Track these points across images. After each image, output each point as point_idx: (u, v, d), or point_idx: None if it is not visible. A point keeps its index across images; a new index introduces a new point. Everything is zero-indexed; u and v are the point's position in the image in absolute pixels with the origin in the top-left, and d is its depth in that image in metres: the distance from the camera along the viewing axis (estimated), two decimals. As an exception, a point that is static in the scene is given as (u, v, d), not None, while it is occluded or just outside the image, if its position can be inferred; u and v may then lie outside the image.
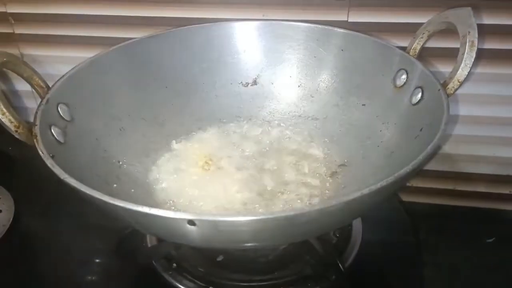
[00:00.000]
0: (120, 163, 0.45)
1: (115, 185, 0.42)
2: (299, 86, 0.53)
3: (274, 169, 0.46)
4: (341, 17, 0.51)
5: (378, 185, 0.28)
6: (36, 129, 0.35)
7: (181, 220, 0.27)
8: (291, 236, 0.32)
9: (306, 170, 0.46)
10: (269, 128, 0.52)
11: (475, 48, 0.37)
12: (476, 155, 0.56)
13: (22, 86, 0.63)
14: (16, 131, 0.35)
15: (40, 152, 0.33)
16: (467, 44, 0.37)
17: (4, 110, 0.34)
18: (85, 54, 0.47)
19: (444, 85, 0.39)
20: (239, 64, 0.54)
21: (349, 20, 0.51)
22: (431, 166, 0.57)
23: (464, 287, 0.44)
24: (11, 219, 0.49)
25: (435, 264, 0.46)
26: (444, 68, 0.50)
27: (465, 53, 0.37)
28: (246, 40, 0.53)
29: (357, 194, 0.27)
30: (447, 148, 0.56)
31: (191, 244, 0.34)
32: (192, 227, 0.27)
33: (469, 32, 0.38)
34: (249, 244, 0.32)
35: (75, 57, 0.49)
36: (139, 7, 0.55)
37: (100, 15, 0.56)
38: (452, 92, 0.38)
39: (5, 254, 0.47)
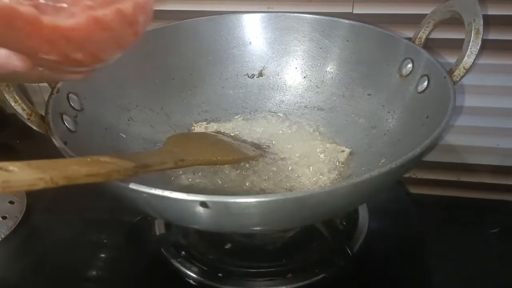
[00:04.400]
0: (128, 152, 0.45)
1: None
2: (304, 77, 0.54)
3: (281, 158, 0.46)
4: (346, 8, 0.52)
5: (387, 167, 0.28)
6: (49, 117, 0.35)
7: (194, 202, 0.27)
8: (300, 219, 0.32)
9: (313, 159, 0.46)
10: (275, 119, 0.52)
11: (481, 36, 0.38)
12: (480, 146, 0.56)
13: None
14: (29, 119, 0.35)
15: (53, 139, 0.33)
16: (473, 31, 0.38)
17: (17, 98, 0.35)
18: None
19: (450, 72, 0.39)
20: (245, 56, 0.54)
21: (354, 12, 0.51)
22: (435, 157, 0.57)
23: (468, 277, 0.44)
24: (24, 211, 0.50)
25: (440, 253, 0.47)
26: (450, 58, 0.51)
27: (471, 40, 0.38)
28: (252, 32, 0.53)
29: (366, 176, 0.28)
30: (451, 139, 0.57)
31: (202, 227, 0.35)
32: (205, 209, 0.28)
33: (474, 20, 0.38)
34: (259, 228, 0.33)
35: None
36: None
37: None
38: (458, 79, 0.39)
39: (18, 244, 0.47)
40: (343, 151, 0.46)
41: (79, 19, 0.23)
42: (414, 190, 0.57)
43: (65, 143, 0.33)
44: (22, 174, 0.22)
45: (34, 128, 0.36)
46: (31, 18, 0.21)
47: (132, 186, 0.28)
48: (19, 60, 0.23)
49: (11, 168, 0.22)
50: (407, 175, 0.58)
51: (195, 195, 0.27)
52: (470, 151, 0.57)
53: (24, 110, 0.35)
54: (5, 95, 0.34)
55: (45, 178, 0.22)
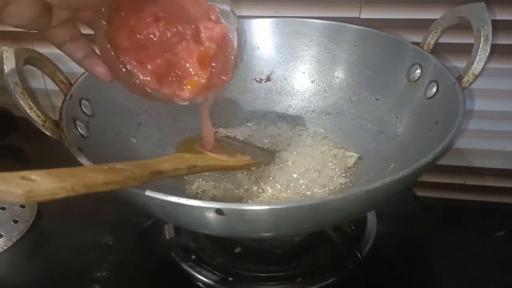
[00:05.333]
0: (138, 156, 0.46)
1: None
2: (312, 81, 0.54)
3: (289, 162, 0.47)
4: (353, 13, 0.52)
5: (400, 174, 0.29)
6: (62, 124, 0.36)
7: (209, 209, 0.28)
8: (312, 225, 0.33)
9: (322, 164, 0.46)
10: (283, 123, 0.53)
11: (490, 42, 0.38)
12: (485, 149, 0.57)
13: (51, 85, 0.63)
14: (43, 125, 0.36)
15: (68, 146, 0.34)
16: (482, 38, 0.38)
17: (32, 105, 0.35)
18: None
19: (459, 78, 0.39)
20: (253, 60, 0.55)
21: (361, 17, 0.52)
22: (441, 160, 0.57)
23: (474, 280, 0.44)
24: (34, 215, 0.50)
25: (446, 256, 0.47)
26: (457, 62, 0.51)
27: (480, 47, 0.38)
28: (260, 37, 0.54)
29: (379, 183, 0.28)
30: (457, 143, 0.57)
31: (215, 233, 0.35)
32: (219, 216, 0.28)
33: (483, 26, 0.38)
34: (270, 233, 0.33)
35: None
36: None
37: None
38: (467, 85, 0.39)
39: (29, 247, 0.48)
40: (352, 156, 0.47)
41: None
42: (419, 193, 0.57)
43: (79, 149, 0.34)
44: (44, 183, 0.22)
45: (48, 134, 0.36)
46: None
47: (148, 193, 0.28)
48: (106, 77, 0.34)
49: (33, 177, 0.22)
50: (413, 178, 0.58)
51: (210, 202, 0.28)
52: (475, 154, 0.58)
53: (39, 116, 0.36)
54: (20, 102, 0.35)
55: (66, 186, 0.23)
